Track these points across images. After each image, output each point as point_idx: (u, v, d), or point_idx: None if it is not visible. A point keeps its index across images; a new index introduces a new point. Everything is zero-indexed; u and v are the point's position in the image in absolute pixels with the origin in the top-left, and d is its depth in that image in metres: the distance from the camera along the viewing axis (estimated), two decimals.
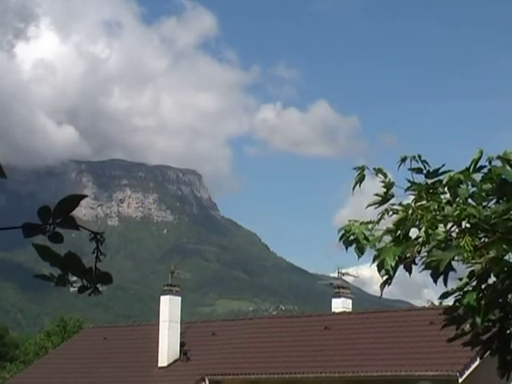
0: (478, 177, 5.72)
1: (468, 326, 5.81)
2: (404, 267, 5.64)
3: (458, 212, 5.45)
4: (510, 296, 5.59)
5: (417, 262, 5.63)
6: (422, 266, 5.47)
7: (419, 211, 5.55)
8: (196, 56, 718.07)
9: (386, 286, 5.80)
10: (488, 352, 5.95)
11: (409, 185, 5.80)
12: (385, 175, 5.84)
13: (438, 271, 5.35)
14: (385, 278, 5.65)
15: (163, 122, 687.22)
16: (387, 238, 5.69)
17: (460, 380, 27.27)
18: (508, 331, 5.74)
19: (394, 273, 5.58)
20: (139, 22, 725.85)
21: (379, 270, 5.57)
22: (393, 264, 5.48)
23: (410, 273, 5.67)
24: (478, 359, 25.84)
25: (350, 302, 36.55)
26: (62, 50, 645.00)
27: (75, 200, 2.91)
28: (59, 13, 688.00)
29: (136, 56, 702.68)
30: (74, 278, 3.05)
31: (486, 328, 5.79)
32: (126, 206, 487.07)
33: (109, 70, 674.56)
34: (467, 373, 27.41)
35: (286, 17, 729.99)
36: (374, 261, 5.59)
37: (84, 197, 3.00)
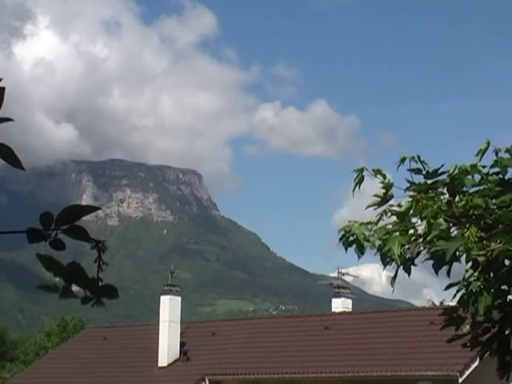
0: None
1: (468, 326, 5.82)
2: (403, 268, 5.64)
3: (463, 202, 5.47)
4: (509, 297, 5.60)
5: (418, 259, 5.64)
6: (427, 256, 5.48)
7: (424, 201, 5.56)
8: (195, 55, 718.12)
9: (387, 282, 5.81)
10: (488, 353, 5.96)
11: (408, 185, 5.82)
12: (384, 176, 5.85)
13: (442, 261, 5.36)
14: (394, 271, 5.64)
15: (163, 121, 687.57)
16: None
17: (460, 380, 27.26)
18: (507, 332, 5.74)
19: (401, 263, 5.57)
20: (138, 22, 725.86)
21: (383, 261, 5.56)
22: (399, 252, 5.48)
23: (409, 274, 5.67)
24: (478, 359, 25.83)
25: (349, 301, 36.54)
26: (61, 50, 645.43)
27: (83, 210, 2.84)
28: (58, 12, 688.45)
29: (135, 56, 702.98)
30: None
31: (486, 329, 5.79)
32: (126, 206, 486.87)
33: (108, 70, 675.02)
34: (467, 373, 27.39)
35: (286, 16, 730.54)
36: (378, 251, 5.58)
37: (95, 209, 2.92)
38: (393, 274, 5.67)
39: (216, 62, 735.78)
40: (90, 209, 2.88)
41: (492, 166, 5.70)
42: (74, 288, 2.94)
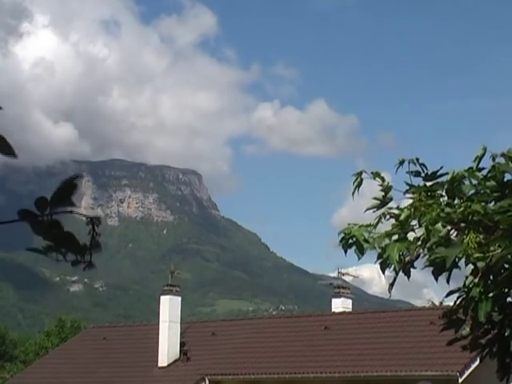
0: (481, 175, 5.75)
1: (468, 329, 5.82)
2: (403, 271, 5.64)
3: (462, 208, 5.47)
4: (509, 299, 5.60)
5: (418, 261, 5.64)
6: (426, 263, 5.48)
7: (422, 208, 5.56)
8: (195, 55, 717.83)
9: (386, 282, 5.82)
10: (488, 355, 5.96)
11: (407, 188, 5.82)
12: (382, 179, 5.85)
13: (442, 268, 5.36)
14: (392, 277, 5.65)
15: (162, 121, 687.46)
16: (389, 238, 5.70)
17: (460, 380, 27.29)
18: (507, 333, 5.74)
19: (400, 269, 5.57)
20: (138, 21, 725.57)
21: (382, 269, 5.56)
22: (398, 258, 5.48)
23: (409, 277, 5.67)
24: (478, 359, 25.82)
25: (349, 301, 36.58)
26: (60, 50, 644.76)
27: (72, 184, 2.92)
28: (57, 12, 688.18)
29: (135, 55, 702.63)
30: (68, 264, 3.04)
31: (486, 331, 5.79)
32: (126, 206, 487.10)
33: (107, 70, 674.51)
34: (467, 373, 27.42)
35: (286, 16, 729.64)
36: (378, 259, 5.59)
37: (78, 177, 2.99)
38: (393, 276, 5.67)
39: (215, 61, 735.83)
40: (74, 178, 2.97)
41: (489, 172, 5.70)
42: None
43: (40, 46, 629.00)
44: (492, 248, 5.25)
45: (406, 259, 5.57)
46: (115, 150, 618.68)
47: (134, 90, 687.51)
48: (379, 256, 5.58)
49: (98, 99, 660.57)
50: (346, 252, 5.74)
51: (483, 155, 5.80)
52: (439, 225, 5.44)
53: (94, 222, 2.97)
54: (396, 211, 5.74)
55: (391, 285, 5.72)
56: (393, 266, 5.52)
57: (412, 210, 5.62)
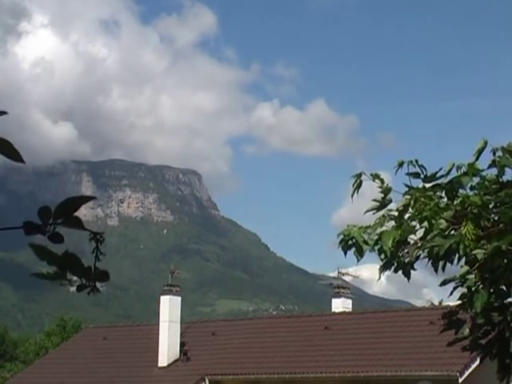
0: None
1: (468, 329, 5.82)
2: (402, 273, 5.65)
3: (461, 200, 5.47)
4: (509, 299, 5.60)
5: (418, 260, 5.65)
6: (425, 254, 5.49)
7: (422, 199, 5.56)
8: (195, 55, 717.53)
9: (386, 282, 5.82)
10: (488, 355, 5.96)
11: (407, 190, 5.83)
12: (382, 181, 5.86)
13: (439, 258, 5.37)
14: (384, 261, 5.66)
15: (162, 121, 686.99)
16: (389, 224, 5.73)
17: (460, 380, 27.27)
18: (507, 334, 5.74)
19: (394, 257, 5.58)
20: (137, 21, 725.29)
21: (380, 255, 5.59)
22: (391, 246, 5.50)
23: (409, 278, 5.68)
24: (478, 359, 25.80)
25: (349, 301, 36.57)
26: (60, 50, 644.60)
27: (78, 201, 2.88)
28: (56, 12, 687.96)
29: (134, 55, 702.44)
30: (74, 278, 3.04)
31: (486, 332, 5.79)
32: (126, 206, 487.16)
33: (107, 70, 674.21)
34: (467, 373, 27.40)
35: (286, 15, 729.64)
36: (375, 244, 5.60)
37: (90, 199, 2.96)
38: (383, 263, 5.67)
39: (215, 61, 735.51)
40: (86, 199, 2.93)
41: (489, 166, 5.71)
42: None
43: (39, 46, 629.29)
44: (493, 242, 5.25)
45: (406, 260, 5.58)
46: (115, 150, 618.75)
47: (134, 90, 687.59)
48: (375, 243, 5.61)
49: (98, 99, 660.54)
50: (345, 254, 5.75)
51: (483, 148, 5.81)
52: (441, 219, 5.46)
53: (97, 238, 2.95)
54: (396, 213, 5.75)
55: (381, 267, 5.71)
56: (383, 250, 5.54)
57: (411, 200, 5.63)
